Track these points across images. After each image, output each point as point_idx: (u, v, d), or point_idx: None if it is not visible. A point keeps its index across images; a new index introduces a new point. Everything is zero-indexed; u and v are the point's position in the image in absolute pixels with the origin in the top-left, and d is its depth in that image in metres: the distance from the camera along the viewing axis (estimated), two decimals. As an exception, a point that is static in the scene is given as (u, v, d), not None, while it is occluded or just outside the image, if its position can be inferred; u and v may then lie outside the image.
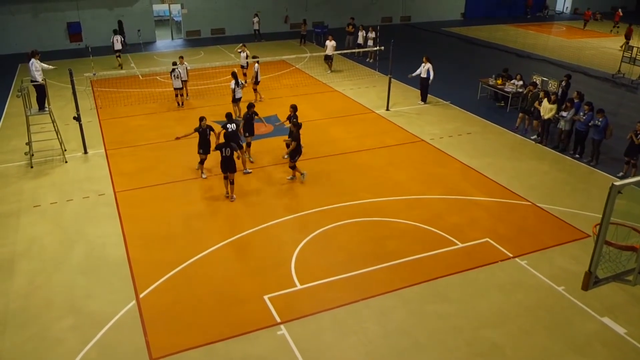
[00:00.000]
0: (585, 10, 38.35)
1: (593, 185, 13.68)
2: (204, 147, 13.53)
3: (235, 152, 12.54)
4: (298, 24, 30.90)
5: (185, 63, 19.61)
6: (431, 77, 19.12)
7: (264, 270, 10.07)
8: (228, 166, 12.41)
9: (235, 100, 17.78)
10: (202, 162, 13.78)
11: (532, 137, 16.47)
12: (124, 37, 29.66)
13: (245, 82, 20.27)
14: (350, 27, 28.42)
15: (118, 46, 24.54)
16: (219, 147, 12.44)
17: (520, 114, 17.22)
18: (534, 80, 18.80)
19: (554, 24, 39.35)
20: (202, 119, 13.53)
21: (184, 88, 19.91)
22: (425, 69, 19.08)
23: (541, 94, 16.08)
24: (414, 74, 19.46)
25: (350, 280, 9.76)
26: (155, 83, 22.36)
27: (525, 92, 17.62)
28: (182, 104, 19.46)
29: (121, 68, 23.93)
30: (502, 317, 8.89)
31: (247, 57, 21.31)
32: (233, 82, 17.52)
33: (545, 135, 16.09)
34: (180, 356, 8.03)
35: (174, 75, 19.00)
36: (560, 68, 24.97)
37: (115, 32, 25.88)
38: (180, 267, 10.10)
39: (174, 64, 19.06)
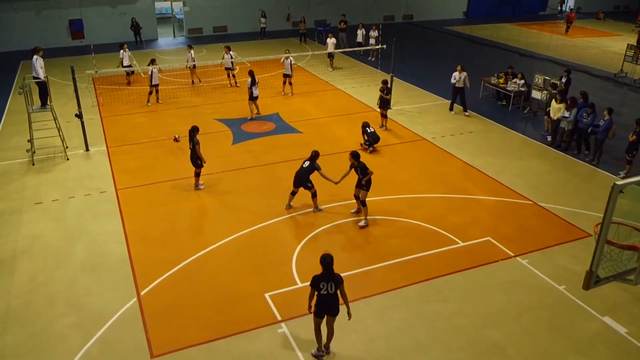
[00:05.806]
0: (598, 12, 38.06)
1: (595, 184, 13.65)
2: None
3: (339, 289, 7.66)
4: (299, 22, 30.88)
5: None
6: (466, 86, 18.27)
7: (265, 268, 10.08)
8: (330, 306, 7.79)
9: (253, 99, 17.65)
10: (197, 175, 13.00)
11: (548, 138, 16.23)
12: (140, 35, 29.82)
13: (237, 83, 21.54)
14: (342, 24, 28.39)
15: (127, 62, 21.40)
16: (318, 279, 7.60)
17: (545, 117, 16.75)
18: (537, 79, 18.66)
19: (557, 22, 39.23)
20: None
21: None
22: (462, 78, 18.05)
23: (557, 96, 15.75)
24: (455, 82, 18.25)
25: (351, 278, 9.74)
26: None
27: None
28: (158, 100, 19.56)
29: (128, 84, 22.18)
30: (503, 317, 8.89)
31: (232, 58, 21.33)
32: (250, 80, 17.39)
33: (555, 135, 15.84)
34: (180, 353, 8.05)
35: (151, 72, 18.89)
36: (562, 67, 24.86)
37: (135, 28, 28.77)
38: (181, 265, 10.12)
39: (152, 61, 19.01)
